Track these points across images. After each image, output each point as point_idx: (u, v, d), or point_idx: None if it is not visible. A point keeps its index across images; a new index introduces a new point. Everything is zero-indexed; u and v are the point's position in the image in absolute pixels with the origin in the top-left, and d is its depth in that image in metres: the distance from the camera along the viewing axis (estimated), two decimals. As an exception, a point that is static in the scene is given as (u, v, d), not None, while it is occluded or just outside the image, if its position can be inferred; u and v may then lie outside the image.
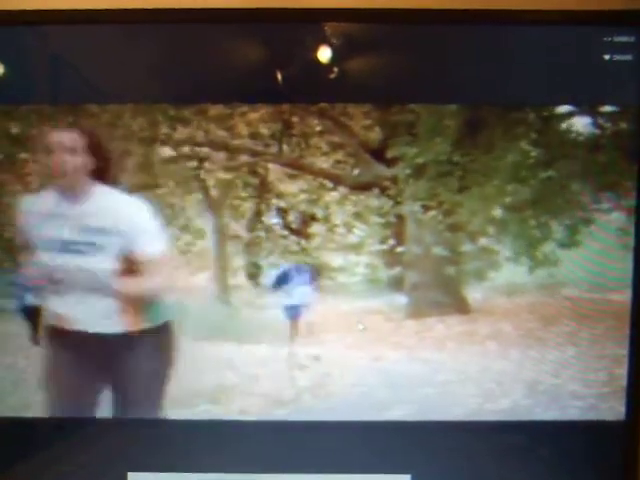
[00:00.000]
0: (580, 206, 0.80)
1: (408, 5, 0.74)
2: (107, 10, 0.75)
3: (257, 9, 0.75)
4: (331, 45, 0.76)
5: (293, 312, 0.84)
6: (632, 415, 0.81)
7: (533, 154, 0.79)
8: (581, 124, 0.79)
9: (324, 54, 0.77)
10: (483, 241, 0.82)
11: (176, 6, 0.74)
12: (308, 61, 0.77)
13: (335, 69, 0.77)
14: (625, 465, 0.82)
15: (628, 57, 0.75)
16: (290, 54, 0.77)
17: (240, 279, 0.82)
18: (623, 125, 0.78)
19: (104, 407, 0.83)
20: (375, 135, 0.79)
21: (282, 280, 0.84)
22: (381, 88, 0.78)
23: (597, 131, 0.78)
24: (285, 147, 0.79)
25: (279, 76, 0.77)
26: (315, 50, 0.77)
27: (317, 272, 0.83)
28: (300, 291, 0.84)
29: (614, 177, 0.79)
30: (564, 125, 0.79)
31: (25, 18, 0.75)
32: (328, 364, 0.83)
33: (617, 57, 0.75)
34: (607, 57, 0.75)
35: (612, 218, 0.80)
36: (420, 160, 0.80)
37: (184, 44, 0.77)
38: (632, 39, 0.75)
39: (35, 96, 0.79)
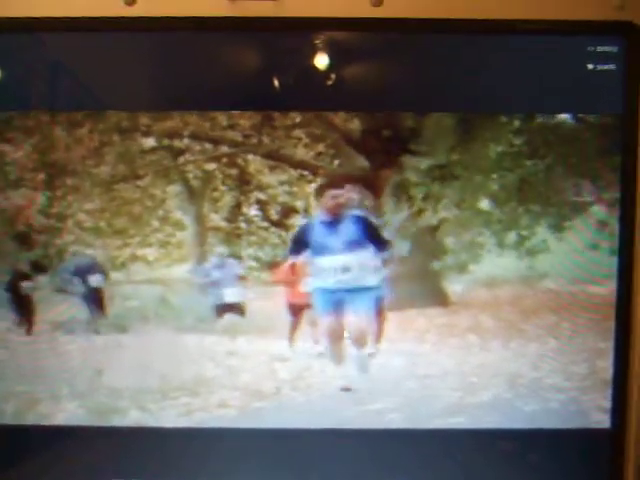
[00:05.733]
0: (561, 197, 0.81)
1: (395, 15, 0.75)
2: (98, 18, 0.76)
3: (247, 18, 0.76)
4: (323, 54, 0.77)
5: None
6: (618, 424, 0.81)
7: (516, 142, 0.80)
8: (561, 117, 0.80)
9: (316, 63, 0.77)
10: (468, 233, 0.82)
11: (171, 15, 0.75)
12: (301, 70, 0.77)
13: (327, 78, 0.77)
14: (610, 475, 0.82)
15: (611, 67, 0.76)
16: (281, 63, 0.77)
17: (220, 271, 0.82)
18: (603, 120, 0.79)
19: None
20: (355, 127, 0.79)
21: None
22: (371, 96, 0.78)
23: (576, 123, 0.79)
24: (265, 138, 0.79)
25: (270, 84, 0.77)
26: (307, 59, 0.77)
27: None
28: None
29: (594, 169, 0.80)
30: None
31: (22, 25, 0.76)
32: (308, 357, 0.83)
33: (600, 67, 0.76)
34: (591, 66, 0.76)
35: (593, 211, 0.81)
36: (423, 167, 0.80)
37: (180, 53, 0.78)
38: (615, 49, 0.76)
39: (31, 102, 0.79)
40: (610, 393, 0.82)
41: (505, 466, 0.83)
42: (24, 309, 0.83)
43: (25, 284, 0.83)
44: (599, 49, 0.76)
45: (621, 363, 0.81)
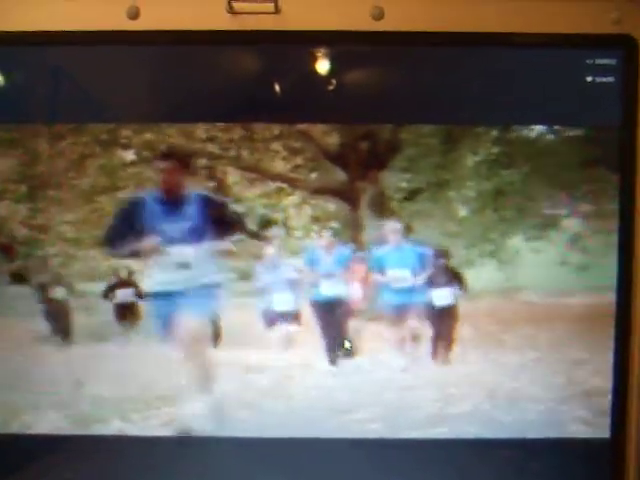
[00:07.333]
0: (537, 209, 0.81)
1: (397, 28, 0.75)
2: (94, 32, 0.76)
3: (251, 31, 0.76)
4: (312, 67, 0.77)
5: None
6: (617, 433, 0.81)
7: (493, 151, 0.80)
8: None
9: (306, 75, 0.77)
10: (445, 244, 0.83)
11: (169, 28, 0.75)
12: (295, 81, 0.78)
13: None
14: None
15: (610, 79, 0.77)
16: (273, 75, 0.78)
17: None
18: (578, 132, 0.79)
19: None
20: (334, 139, 0.80)
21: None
22: (368, 108, 0.79)
23: (551, 136, 0.80)
24: (243, 151, 0.80)
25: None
26: (297, 72, 0.78)
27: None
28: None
29: (571, 181, 0.80)
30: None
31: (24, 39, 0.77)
32: (289, 366, 0.83)
33: (599, 79, 0.77)
34: (589, 79, 0.77)
35: (570, 223, 0.81)
36: (413, 186, 0.81)
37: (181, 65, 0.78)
38: (614, 62, 0.76)
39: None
40: (590, 404, 0.82)
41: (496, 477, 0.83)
42: (125, 318, 0.82)
43: (122, 292, 0.81)
44: (598, 62, 0.76)
45: (620, 372, 0.80)
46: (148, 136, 0.79)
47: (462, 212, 0.82)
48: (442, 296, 0.80)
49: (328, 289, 0.82)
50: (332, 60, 0.77)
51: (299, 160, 0.81)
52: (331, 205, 0.82)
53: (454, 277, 0.82)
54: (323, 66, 0.77)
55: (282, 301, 0.80)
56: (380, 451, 0.82)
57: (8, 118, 0.80)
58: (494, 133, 0.80)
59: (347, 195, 0.82)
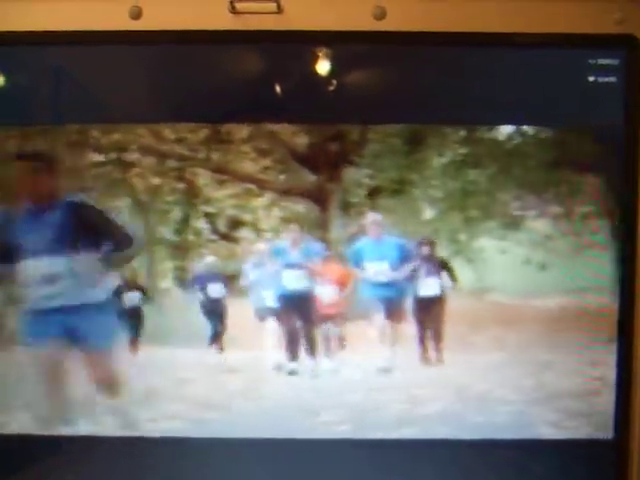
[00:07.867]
0: (505, 210, 0.81)
1: (392, 27, 0.75)
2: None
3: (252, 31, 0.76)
4: (317, 66, 0.77)
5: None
6: (620, 433, 0.80)
7: (460, 151, 0.81)
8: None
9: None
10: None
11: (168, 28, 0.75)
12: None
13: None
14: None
15: (612, 79, 0.77)
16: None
17: (169, 283, 0.83)
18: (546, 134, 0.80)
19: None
20: (302, 141, 0.80)
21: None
22: (370, 109, 0.79)
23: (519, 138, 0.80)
24: (213, 153, 0.80)
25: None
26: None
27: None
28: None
29: (538, 182, 0.80)
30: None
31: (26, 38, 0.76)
32: (257, 369, 0.83)
33: (602, 79, 0.77)
34: (592, 79, 0.77)
35: (538, 224, 0.81)
36: (374, 183, 0.81)
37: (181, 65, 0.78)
38: (616, 62, 0.77)
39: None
40: (558, 406, 0.82)
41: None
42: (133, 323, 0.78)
43: (131, 295, 0.79)
44: (600, 62, 0.77)
45: (623, 372, 0.80)
46: (117, 136, 0.80)
47: (430, 212, 0.82)
48: (428, 286, 0.79)
49: (291, 282, 0.82)
50: (335, 60, 0.77)
51: (268, 162, 0.81)
52: (300, 206, 0.82)
53: (441, 267, 0.82)
54: (326, 66, 0.77)
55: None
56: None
57: (9, 119, 0.79)
58: (462, 133, 0.80)
59: (316, 196, 0.82)
